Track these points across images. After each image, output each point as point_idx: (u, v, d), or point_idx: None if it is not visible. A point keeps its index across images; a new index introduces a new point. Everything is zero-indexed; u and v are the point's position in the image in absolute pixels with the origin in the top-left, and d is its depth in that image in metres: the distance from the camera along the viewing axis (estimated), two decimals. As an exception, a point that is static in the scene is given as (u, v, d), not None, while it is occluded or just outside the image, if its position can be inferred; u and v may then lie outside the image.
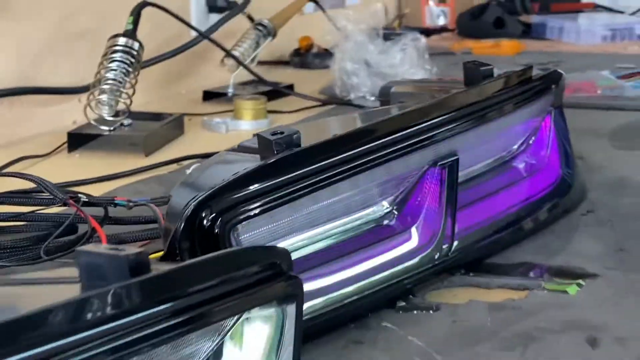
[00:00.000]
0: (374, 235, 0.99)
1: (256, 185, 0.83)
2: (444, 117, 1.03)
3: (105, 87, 1.55)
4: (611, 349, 0.88)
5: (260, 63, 2.17)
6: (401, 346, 0.89)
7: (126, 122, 1.60)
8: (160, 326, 0.57)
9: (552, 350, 0.88)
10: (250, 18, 2.11)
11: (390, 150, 0.96)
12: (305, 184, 0.87)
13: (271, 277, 0.66)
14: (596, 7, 3.44)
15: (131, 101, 1.57)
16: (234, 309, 0.64)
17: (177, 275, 0.60)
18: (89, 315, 0.53)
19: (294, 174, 0.86)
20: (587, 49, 2.76)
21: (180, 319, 0.59)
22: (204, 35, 1.90)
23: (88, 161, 1.38)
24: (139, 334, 0.55)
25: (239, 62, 1.96)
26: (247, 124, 1.77)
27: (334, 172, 0.90)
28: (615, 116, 1.89)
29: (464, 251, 1.05)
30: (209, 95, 2.01)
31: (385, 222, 1.01)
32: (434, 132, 1.01)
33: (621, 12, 3.38)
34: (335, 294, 0.91)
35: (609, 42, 2.89)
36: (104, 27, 1.79)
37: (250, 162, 0.87)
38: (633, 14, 3.32)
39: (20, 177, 1.13)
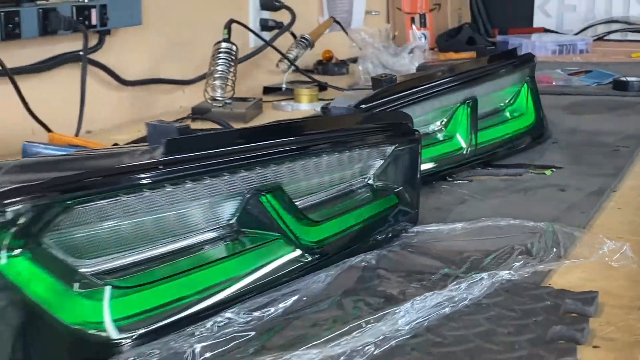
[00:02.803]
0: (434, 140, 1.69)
1: (378, 100, 1.52)
2: (470, 71, 1.74)
3: (217, 75, 2.22)
4: (574, 192, 1.58)
5: (293, 70, 2.85)
6: (455, 193, 1.59)
7: (228, 101, 2.27)
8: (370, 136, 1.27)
9: (540, 193, 1.58)
10: (293, 34, 2.80)
11: (441, 88, 1.66)
12: (402, 102, 1.56)
13: (406, 129, 1.36)
14: (545, 31, 4.20)
15: (234, 85, 2.25)
16: (393, 140, 1.33)
17: (377, 116, 1.30)
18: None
19: (396, 95, 1.56)
20: (542, 59, 3.48)
21: (373, 136, 1.28)
22: (268, 44, 2.59)
23: (209, 125, 2.04)
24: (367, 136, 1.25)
25: (292, 64, 2.65)
26: (305, 105, 2.45)
27: (415, 96, 1.60)
28: (565, 98, 2.61)
29: (482, 154, 1.75)
30: (268, 90, 2.69)
31: (438, 135, 1.71)
32: (464, 79, 1.72)
33: (565, 34, 4.13)
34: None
35: (558, 55, 3.63)
36: (198, 38, 2.48)
37: (367, 93, 1.57)
38: (576, 34, 4.09)
39: (210, 120, 1.81)
